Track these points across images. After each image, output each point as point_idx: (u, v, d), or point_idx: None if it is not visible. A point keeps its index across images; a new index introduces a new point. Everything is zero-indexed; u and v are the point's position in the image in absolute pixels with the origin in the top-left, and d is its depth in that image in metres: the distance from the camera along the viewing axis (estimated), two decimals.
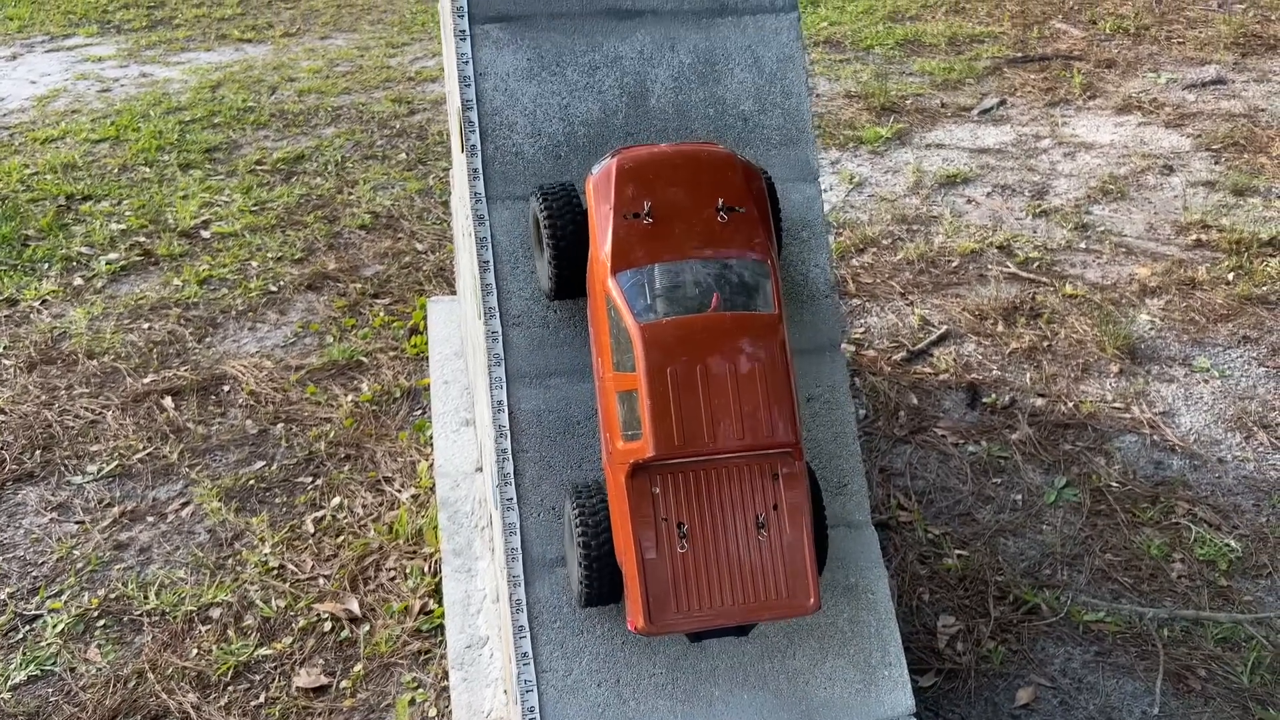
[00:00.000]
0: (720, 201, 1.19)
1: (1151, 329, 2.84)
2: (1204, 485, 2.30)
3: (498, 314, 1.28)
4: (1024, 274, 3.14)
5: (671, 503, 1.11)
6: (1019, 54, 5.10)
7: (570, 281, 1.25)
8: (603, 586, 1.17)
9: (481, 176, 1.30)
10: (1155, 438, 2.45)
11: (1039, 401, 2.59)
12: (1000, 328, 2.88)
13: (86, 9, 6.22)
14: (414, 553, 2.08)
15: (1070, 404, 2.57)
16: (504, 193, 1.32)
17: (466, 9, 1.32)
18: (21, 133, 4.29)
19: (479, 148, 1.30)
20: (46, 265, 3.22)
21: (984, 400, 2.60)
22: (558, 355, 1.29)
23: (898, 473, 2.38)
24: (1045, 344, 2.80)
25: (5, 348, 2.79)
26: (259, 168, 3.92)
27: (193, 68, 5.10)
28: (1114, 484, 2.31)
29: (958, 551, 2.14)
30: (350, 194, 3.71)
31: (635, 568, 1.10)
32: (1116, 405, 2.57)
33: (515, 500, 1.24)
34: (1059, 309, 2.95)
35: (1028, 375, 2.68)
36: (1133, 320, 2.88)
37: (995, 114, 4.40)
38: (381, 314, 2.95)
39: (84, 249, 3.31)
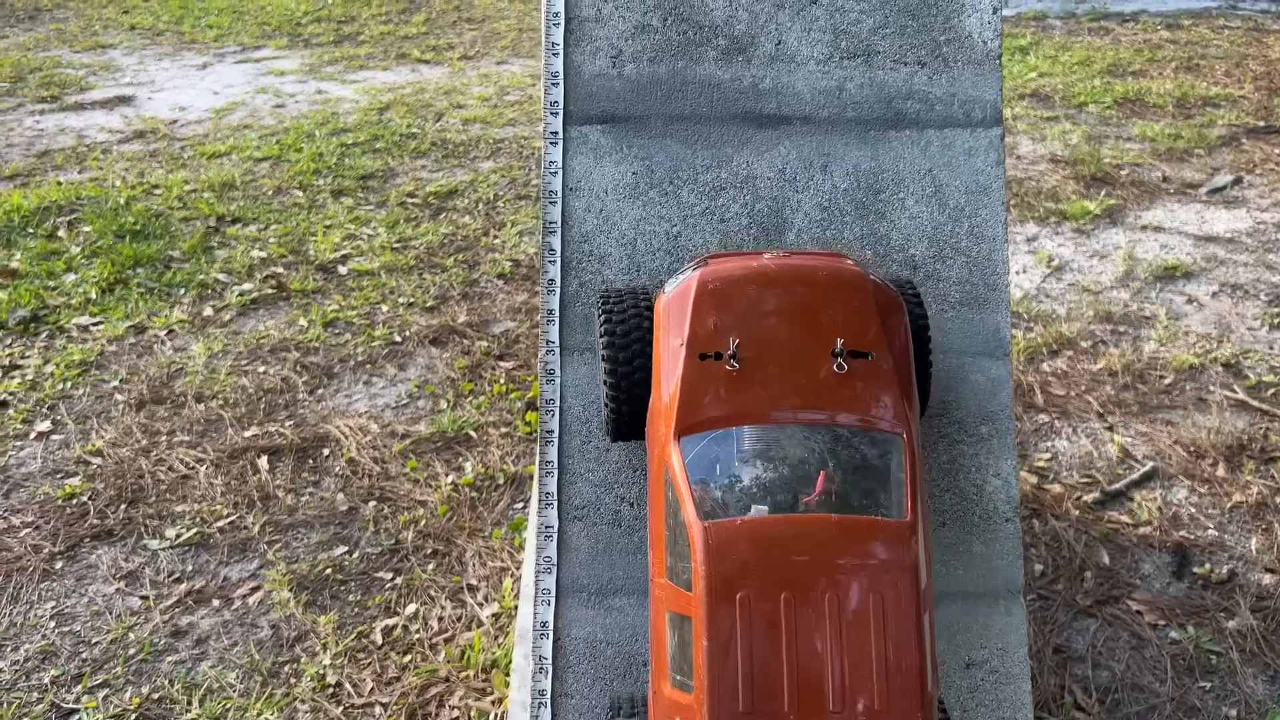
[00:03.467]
0: (840, 343, 0.85)
1: None
2: None
3: (555, 503, 0.98)
4: (1255, 403, 2.60)
5: None
6: (1262, 123, 4.44)
7: (635, 421, 0.93)
8: None
9: (557, 320, 1.00)
10: None
11: (1267, 579, 2.09)
12: (1221, 472, 2.37)
13: (281, 21, 6.37)
14: (482, 691, 1.80)
15: None
16: (584, 343, 1.02)
17: (562, 105, 1.02)
18: (193, 146, 4.32)
19: (557, 283, 1.00)
20: (182, 291, 3.15)
21: (1194, 569, 2.12)
22: (628, 566, 0.98)
23: (1077, 656, 1.93)
24: (1279, 500, 2.28)
25: (122, 381, 2.71)
26: (410, 200, 3.79)
27: (366, 87, 5.07)
28: None
29: None
30: (495, 237, 3.51)
31: None
32: None
33: None
34: None
35: (1254, 541, 2.18)
36: None
37: (1228, 194, 3.81)
38: (502, 380, 2.72)
39: (221, 275, 3.23)
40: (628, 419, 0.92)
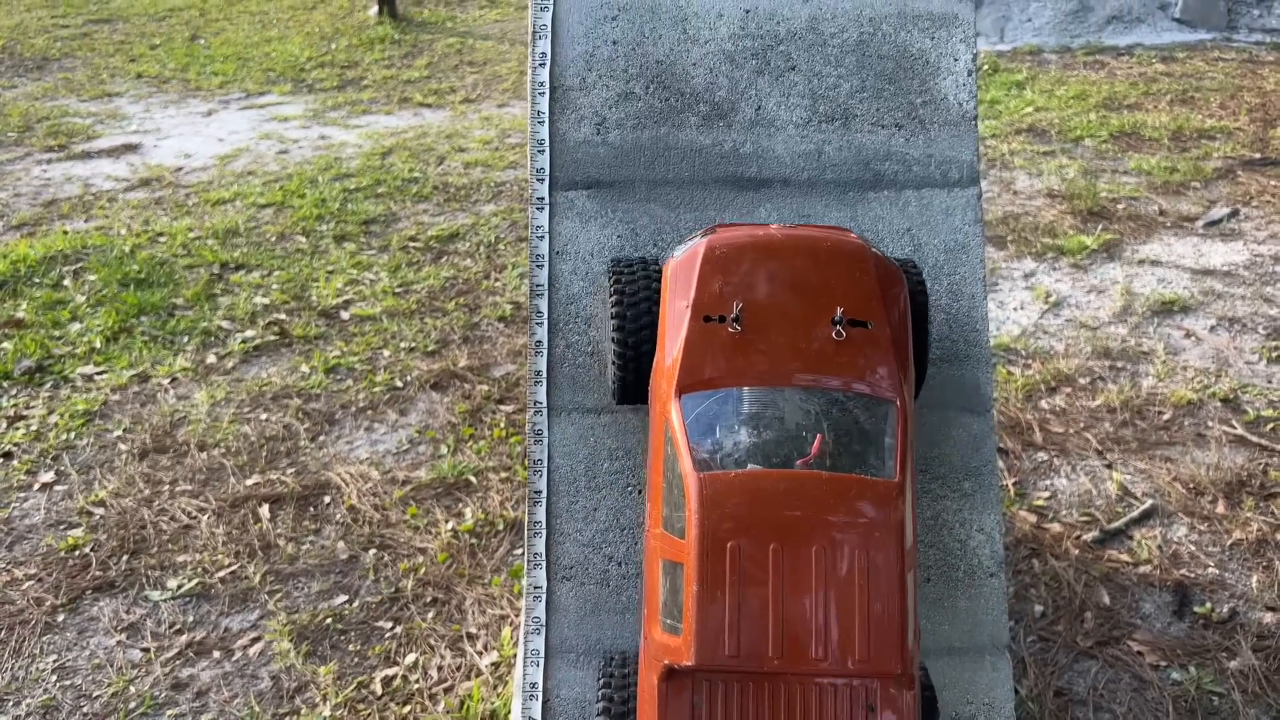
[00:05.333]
0: (840, 311, 0.88)
1: None
2: None
3: (544, 564, 0.99)
4: (1254, 438, 2.61)
5: None
6: (1258, 155, 4.47)
7: (639, 383, 0.96)
8: None
9: (545, 381, 1.02)
10: None
11: (1268, 618, 2.08)
12: (1221, 508, 2.37)
13: (285, 67, 6.45)
14: None
15: None
16: (571, 403, 1.04)
17: (548, 172, 1.05)
18: (197, 193, 4.37)
19: (545, 344, 1.02)
20: (186, 339, 3.18)
21: (1195, 608, 2.11)
22: (616, 626, 0.99)
23: (1078, 699, 1.93)
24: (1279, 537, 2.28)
25: (125, 430, 2.73)
26: (411, 244, 3.83)
27: (369, 132, 5.14)
28: None
29: None
30: (496, 280, 3.54)
31: None
32: None
33: None
34: None
35: (1254, 579, 2.17)
36: None
37: (1225, 227, 3.83)
38: (502, 424, 2.73)
39: (224, 323, 3.27)
40: (633, 381, 0.95)
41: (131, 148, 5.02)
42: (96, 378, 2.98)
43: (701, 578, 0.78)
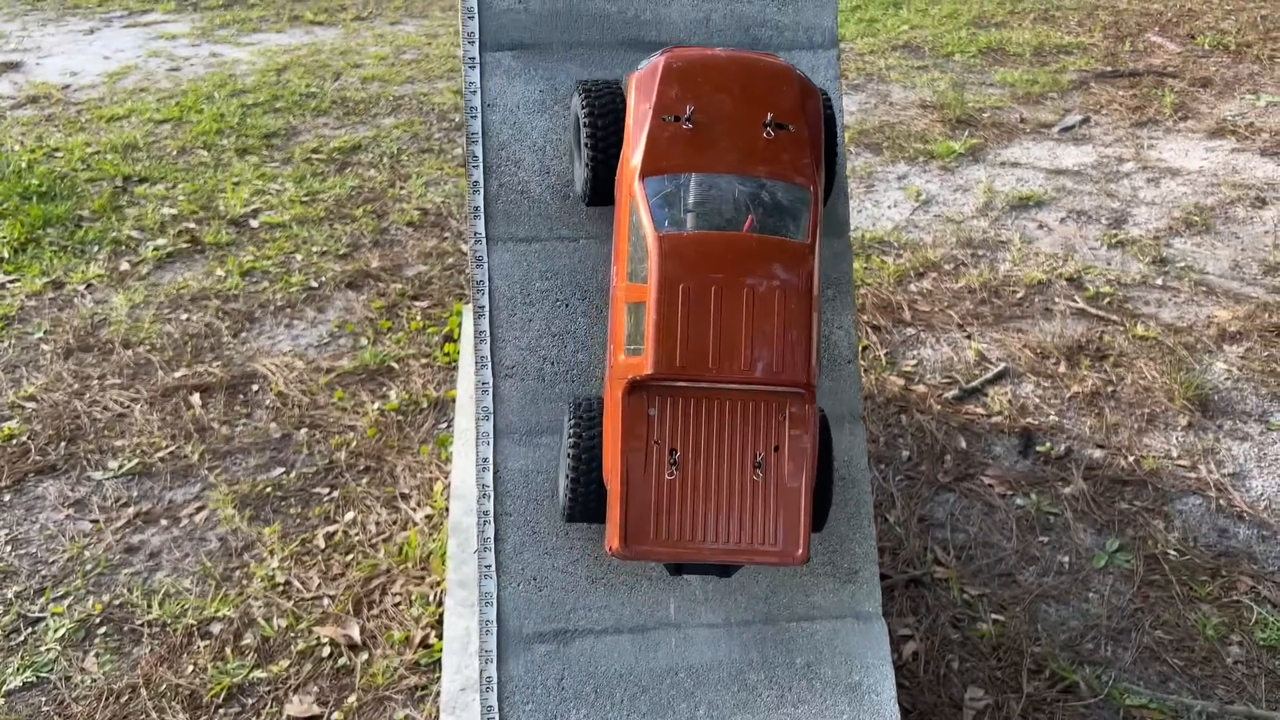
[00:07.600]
0: (769, 116, 1.12)
1: (1227, 379, 2.65)
2: (1272, 559, 2.13)
3: (489, 364, 1.20)
4: (1093, 310, 2.96)
5: (667, 427, 1.05)
6: (1108, 68, 4.85)
7: (606, 185, 1.19)
8: (587, 503, 1.12)
9: (482, 215, 1.21)
10: (1222, 501, 2.28)
11: (1097, 453, 2.43)
12: (1062, 368, 2.71)
13: None
14: (421, 578, 2.02)
15: (1131, 458, 2.41)
16: (506, 233, 1.23)
17: (478, 35, 1.23)
18: (89, 110, 4.33)
19: (481, 184, 1.21)
20: (96, 248, 3.23)
21: (1038, 448, 2.45)
22: (551, 411, 1.20)
23: (938, 523, 2.24)
24: (1109, 389, 2.63)
25: (46, 332, 2.80)
26: (314, 156, 3.90)
27: (262, 49, 5.11)
28: (1171, 551, 2.14)
29: (994, 616, 2.01)
30: (401, 188, 3.66)
31: (619, 488, 1.04)
32: (1181, 463, 2.39)
33: (494, 568, 1.16)
34: (1127, 351, 2.77)
35: (1087, 423, 2.52)
36: (1207, 368, 2.69)
37: (1077, 132, 4.19)
38: (419, 317, 2.90)
39: (134, 233, 3.32)
40: (602, 184, 1.17)
41: (13, 65, 4.89)
42: (9, 285, 3.02)
43: (659, 309, 1.03)
